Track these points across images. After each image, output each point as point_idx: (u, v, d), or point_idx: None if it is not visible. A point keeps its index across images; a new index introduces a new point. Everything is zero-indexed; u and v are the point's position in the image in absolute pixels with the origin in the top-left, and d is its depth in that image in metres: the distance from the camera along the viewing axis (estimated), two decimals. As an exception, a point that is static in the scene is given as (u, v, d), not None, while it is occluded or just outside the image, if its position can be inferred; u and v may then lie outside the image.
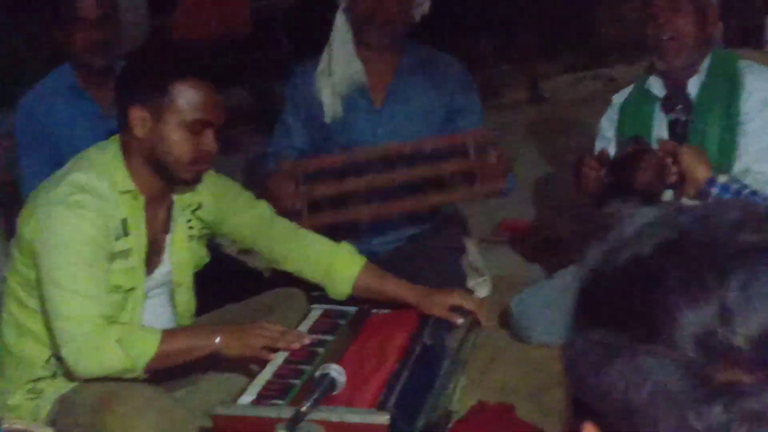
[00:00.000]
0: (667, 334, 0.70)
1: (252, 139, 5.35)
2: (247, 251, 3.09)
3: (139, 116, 2.23)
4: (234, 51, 5.32)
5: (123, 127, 2.28)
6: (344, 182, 2.96)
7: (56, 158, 3.13)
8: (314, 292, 2.67)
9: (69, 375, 2.25)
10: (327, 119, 3.11)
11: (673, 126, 2.87)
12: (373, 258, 2.68)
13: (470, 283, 3.31)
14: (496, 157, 2.84)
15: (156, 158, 2.26)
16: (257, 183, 3.01)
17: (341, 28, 3.12)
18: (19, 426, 1.98)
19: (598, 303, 0.76)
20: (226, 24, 5.12)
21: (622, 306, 0.73)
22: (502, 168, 2.86)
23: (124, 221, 2.26)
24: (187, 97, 2.22)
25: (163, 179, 2.30)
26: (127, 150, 2.28)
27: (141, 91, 2.24)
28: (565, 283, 3.00)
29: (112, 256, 2.24)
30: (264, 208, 2.58)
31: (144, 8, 4.73)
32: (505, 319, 3.16)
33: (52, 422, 2.17)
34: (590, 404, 0.75)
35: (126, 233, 2.27)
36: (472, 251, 3.44)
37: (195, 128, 2.23)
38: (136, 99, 2.23)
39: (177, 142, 2.23)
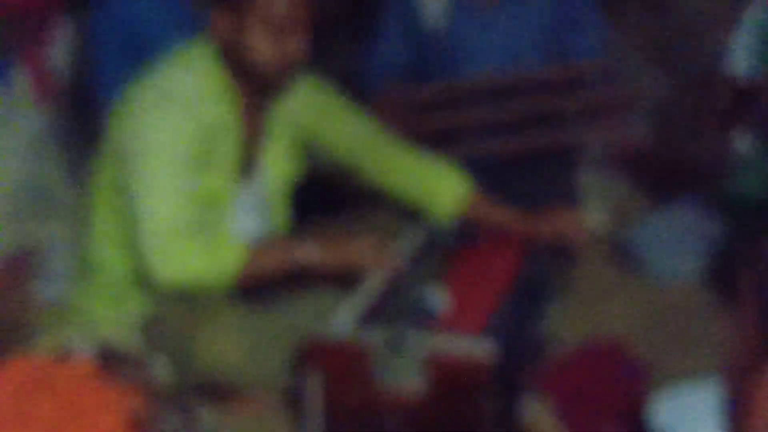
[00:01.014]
0: None
1: (347, 44, 5.31)
2: (342, 167, 3.08)
3: (221, 15, 2.22)
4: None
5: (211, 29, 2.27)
6: (451, 115, 2.90)
7: (141, 59, 3.16)
8: (414, 212, 2.66)
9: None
10: (429, 27, 3.04)
11: None
12: (480, 179, 2.64)
13: (583, 209, 3.25)
14: (620, 90, 2.76)
15: (240, 63, 2.25)
16: (355, 95, 2.98)
17: None
18: (108, 336, 2.01)
19: None
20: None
21: None
22: (626, 103, 2.79)
23: (218, 125, 2.26)
24: None
25: (256, 83, 2.28)
26: (220, 51, 2.27)
27: None
28: (687, 213, 2.93)
29: (206, 162, 2.25)
30: (368, 120, 2.55)
31: None
32: (621, 249, 3.10)
33: (138, 333, 2.21)
34: None
35: (220, 136, 2.27)
36: (586, 176, 3.37)
37: (278, 29, 2.19)
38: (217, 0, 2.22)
39: (260, 45, 2.20)
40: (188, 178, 2.19)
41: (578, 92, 2.83)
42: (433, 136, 2.90)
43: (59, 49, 2.93)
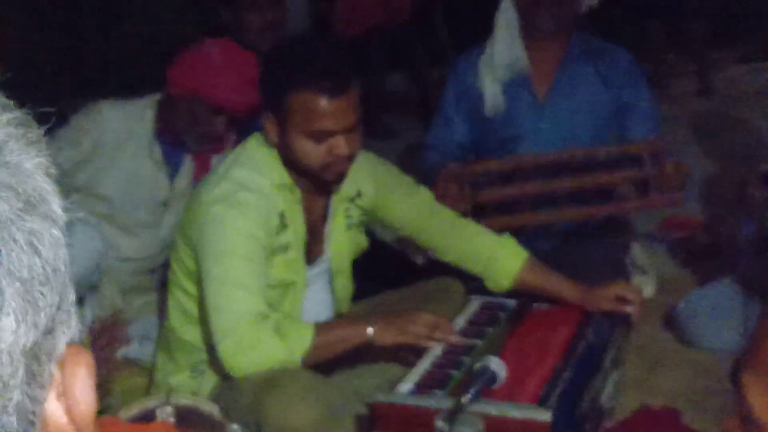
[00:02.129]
0: None
1: (407, 125, 5.40)
2: (402, 239, 3.13)
3: (269, 123, 2.29)
4: (392, 37, 5.37)
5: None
6: (511, 188, 2.95)
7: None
8: (472, 282, 2.69)
9: None
10: (488, 112, 3.09)
11: None
12: (534, 253, 2.67)
13: (634, 281, 3.25)
14: (672, 168, 2.78)
15: (289, 162, 2.31)
16: (415, 172, 3.03)
17: (507, 15, 3.08)
18: (187, 402, 2.07)
19: None
20: (386, 10, 5.18)
21: None
22: (678, 181, 2.81)
23: (282, 215, 2.33)
24: (304, 109, 2.21)
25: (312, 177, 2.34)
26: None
27: (268, 98, 2.29)
28: (735, 288, 2.93)
29: (273, 251, 2.31)
30: (425, 195, 2.61)
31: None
32: (670, 321, 3.09)
33: (213, 401, 2.25)
34: None
35: (285, 227, 2.33)
36: (636, 249, 3.38)
37: (318, 138, 2.24)
38: (266, 105, 2.29)
39: (303, 152, 2.25)
40: (256, 269, 2.24)
41: (632, 168, 2.86)
42: (491, 210, 2.94)
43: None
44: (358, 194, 2.51)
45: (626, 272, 3.22)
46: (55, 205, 0.55)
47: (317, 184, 2.37)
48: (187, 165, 2.96)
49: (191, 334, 2.42)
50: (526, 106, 3.08)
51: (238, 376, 2.22)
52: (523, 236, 2.95)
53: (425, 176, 2.96)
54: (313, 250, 2.45)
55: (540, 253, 2.89)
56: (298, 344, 2.20)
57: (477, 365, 2.07)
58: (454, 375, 2.19)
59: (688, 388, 2.80)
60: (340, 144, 2.23)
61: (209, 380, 2.39)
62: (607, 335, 2.41)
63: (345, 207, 2.49)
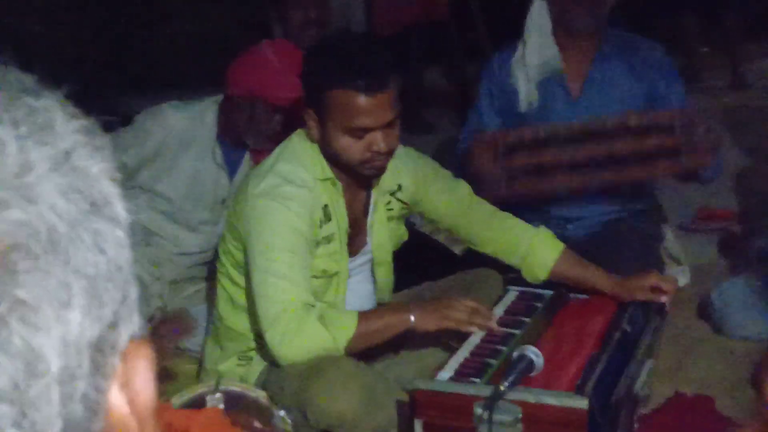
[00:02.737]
0: None
1: (445, 120, 5.40)
2: (441, 231, 3.14)
3: (309, 119, 2.31)
4: (429, 33, 5.38)
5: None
6: (544, 153, 2.93)
7: None
8: (509, 273, 2.70)
9: None
10: (522, 108, 3.08)
11: None
12: (569, 243, 2.68)
13: (668, 271, 3.24)
14: (703, 131, 2.76)
15: (329, 157, 2.33)
16: (451, 165, 3.04)
17: (538, 15, 3.06)
18: (235, 388, 2.11)
19: None
20: (424, 6, 5.18)
21: None
22: (709, 143, 2.78)
23: (325, 207, 2.35)
24: (343, 106, 2.22)
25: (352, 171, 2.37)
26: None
27: (307, 95, 2.31)
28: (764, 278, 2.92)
29: (317, 243, 2.34)
30: (464, 188, 2.62)
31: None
32: (704, 310, 3.09)
33: (260, 387, 2.29)
34: None
35: (328, 219, 2.36)
36: (670, 239, 3.37)
37: (357, 134, 2.25)
38: (307, 102, 2.32)
39: (342, 147, 2.28)
40: (300, 260, 2.27)
41: (665, 133, 2.83)
42: (523, 176, 2.93)
43: None
44: (399, 188, 2.53)
45: (660, 262, 3.22)
46: (119, 207, 0.58)
47: (357, 178, 2.40)
48: (246, 163, 3.00)
49: (238, 322, 2.45)
50: (559, 101, 3.08)
51: (285, 363, 2.25)
52: (558, 226, 2.96)
53: (460, 163, 2.98)
54: (355, 241, 2.47)
55: (575, 243, 2.90)
56: (342, 332, 2.23)
57: (515, 354, 2.09)
58: (493, 363, 2.21)
59: (721, 376, 2.79)
60: (378, 140, 2.25)
61: (256, 367, 2.42)
62: (641, 324, 2.41)
63: (386, 200, 2.51)
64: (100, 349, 0.54)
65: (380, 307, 2.52)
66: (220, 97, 2.96)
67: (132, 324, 0.58)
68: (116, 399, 0.56)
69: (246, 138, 2.90)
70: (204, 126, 2.96)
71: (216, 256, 2.59)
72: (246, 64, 2.85)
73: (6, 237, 0.51)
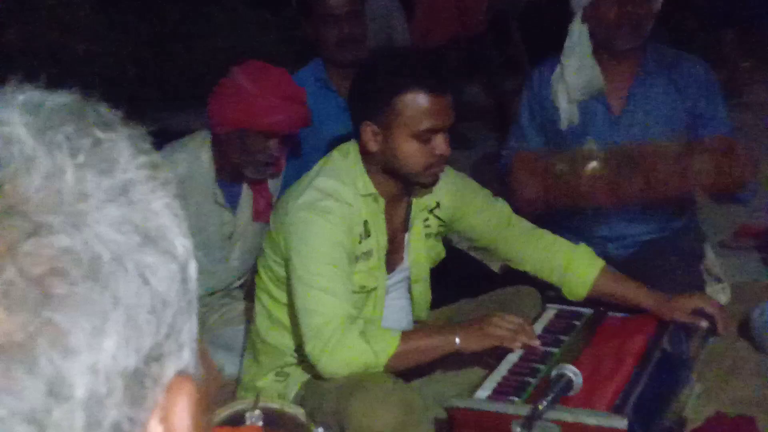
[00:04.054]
0: None
1: (483, 135, 5.41)
2: (478, 248, 3.14)
3: (369, 131, 2.32)
4: (468, 48, 5.39)
5: (358, 140, 2.38)
6: (585, 173, 2.91)
7: (302, 150, 3.29)
8: (548, 290, 2.70)
9: None
10: (562, 126, 3.08)
11: None
12: (609, 262, 2.67)
13: (708, 289, 3.22)
14: (742, 155, 2.74)
15: (391, 168, 2.35)
16: (490, 180, 3.04)
17: (578, 37, 3.03)
18: (273, 405, 2.12)
19: None
20: (462, 21, 5.20)
21: None
22: (747, 167, 2.76)
23: (365, 223, 2.37)
24: (412, 108, 2.26)
25: (401, 183, 2.39)
26: (364, 158, 2.38)
27: (369, 106, 2.32)
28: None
29: (356, 258, 2.35)
30: (502, 206, 2.62)
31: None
32: (745, 329, 3.06)
33: (298, 404, 2.30)
34: None
35: (368, 235, 2.37)
36: (711, 257, 3.34)
37: (424, 137, 2.28)
38: (365, 114, 2.33)
39: (409, 153, 2.30)
40: (342, 274, 2.29)
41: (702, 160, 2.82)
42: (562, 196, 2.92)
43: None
44: (437, 205, 2.54)
45: (701, 280, 3.19)
46: (178, 242, 0.59)
47: (408, 190, 2.41)
48: (245, 196, 2.97)
49: (277, 338, 2.47)
50: (600, 119, 3.05)
51: (326, 375, 2.26)
52: (598, 245, 2.95)
53: (500, 180, 2.97)
54: (393, 258, 2.48)
55: (615, 261, 2.89)
56: (384, 349, 2.23)
57: (553, 373, 2.08)
58: (531, 382, 2.20)
59: (762, 395, 2.76)
60: (441, 143, 2.30)
61: (294, 384, 2.44)
62: (683, 344, 2.39)
63: (424, 217, 2.52)
64: (138, 380, 0.55)
65: (425, 327, 2.52)
66: (208, 133, 2.89)
67: (180, 360, 0.59)
68: (155, 430, 0.57)
69: (245, 171, 2.85)
70: (201, 166, 2.90)
71: (253, 274, 2.61)
72: (224, 97, 2.77)
73: (47, 261, 0.52)
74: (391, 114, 2.28)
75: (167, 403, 0.57)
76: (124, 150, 0.58)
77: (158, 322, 0.56)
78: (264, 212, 2.92)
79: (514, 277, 2.77)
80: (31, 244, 0.52)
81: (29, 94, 0.60)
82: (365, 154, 2.37)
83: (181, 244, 0.60)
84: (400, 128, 2.28)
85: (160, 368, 0.57)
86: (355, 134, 2.40)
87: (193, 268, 0.61)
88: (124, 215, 0.56)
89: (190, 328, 0.60)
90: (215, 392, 0.72)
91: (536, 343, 2.31)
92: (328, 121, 3.26)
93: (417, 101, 2.26)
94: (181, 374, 0.59)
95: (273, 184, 3.05)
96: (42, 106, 0.59)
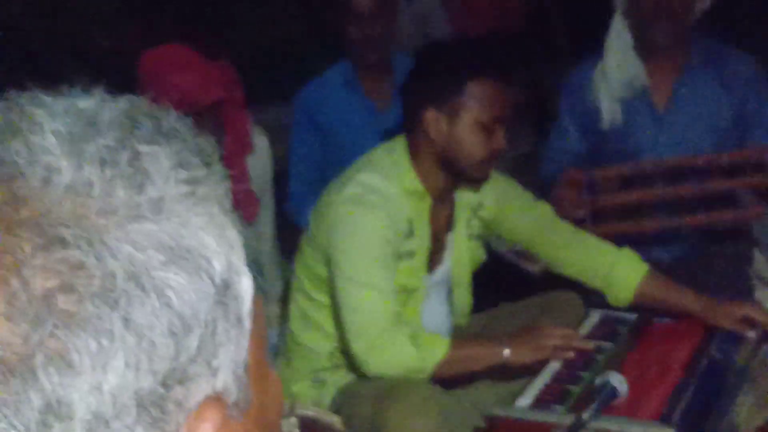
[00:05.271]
0: None
1: (522, 132, 5.38)
2: (517, 251, 3.14)
3: (433, 117, 2.33)
4: (506, 44, 5.38)
5: (412, 129, 2.38)
6: (630, 193, 2.92)
7: (326, 152, 3.29)
8: (591, 295, 2.69)
9: (350, 367, 2.39)
10: (605, 125, 3.06)
11: None
12: (654, 265, 2.66)
13: (757, 294, 3.19)
14: None
15: (447, 158, 2.35)
16: (529, 180, 3.03)
17: (619, 31, 3.03)
18: (309, 412, 2.12)
19: None
20: (499, 15, 5.19)
21: None
22: None
23: (410, 221, 2.37)
24: (483, 95, 2.30)
25: (450, 179, 2.40)
26: (415, 151, 2.39)
27: (435, 91, 2.33)
28: None
29: (399, 256, 2.35)
30: (545, 209, 2.62)
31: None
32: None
33: (334, 411, 2.31)
34: None
35: (411, 233, 2.38)
36: (760, 261, 3.31)
37: (489, 127, 2.31)
38: (430, 100, 2.33)
39: (472, 141, 2.32)
40: (386, 273, 2.30)
41: (756, 171, 2.81)
42: (609, 216, 2.92)
43: (259, 157, 3.04)
44: (480, 206, 2.55)
45: (749, 284, 3.17)
46: (216, 262, 0.58)
47: (457, 183, 2.42)
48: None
49: (311, 339, 2.48)
50: (644, 117, 3.03)
51: (371, 374, 2.27)
52: (643, 248, 2.93)
53: (542, 186, 2.97)
54: (434, 258, 2.49)
55: (660, 264, 2.88)
56: (432, 355, 2.24)
57: (597, 380, 2.08)
58: (573, 390, 2.20)
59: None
60: (501, 137, 2.33)
61: (330, 390, 2.45)
62: (732, 352, 2.38)
63: (467, 217, 2.53)
64: (157, 403, 0.55)
65: (474, 338, 2.52)
66: None
67: (209, 384, 0.58)
68: None
69: None
70: None
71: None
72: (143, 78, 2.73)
73: (56, 275, 0.52)
74: (460, 99, 2.31)
75: (192, 427, 0.57)
76: (164, 164, 0.58)
77: (178, 344, 0.55)
78: (248, 211, 2.89)
79: (553, 281, 2.77)
80: (42, 258, 0.52)
81: (74, 102, 0.60)
82: (417, 147, 2.38)
83: (221, 262, 0.58)
84: (467, 114, 2.31)
85: (186, 392, 0.56)
86: (408, 123, 2.39)
87: (243, 287, 0.60)
88: (150, 233, 0.55)
89: (232, 351, 0.59)
90: (278, 415, 0.71)
91: (590, 346, 2.31)
92: (354, 124, 3.26)
93: (489, 89, 2.30)
94: (214, 398, 0.58)
95: (258, 185, 2.99)
96: (86, 115, 0.58)
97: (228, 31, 6.51)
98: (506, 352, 2.26)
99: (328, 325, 2.43)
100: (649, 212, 2.96)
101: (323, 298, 2.42)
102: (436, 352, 2.24)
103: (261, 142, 3.04)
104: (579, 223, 2.78)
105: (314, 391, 2.47)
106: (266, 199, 3.07)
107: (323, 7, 3.58)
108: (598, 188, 2.91)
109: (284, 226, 3.25)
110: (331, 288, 2.37)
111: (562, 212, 2.74)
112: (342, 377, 2.43)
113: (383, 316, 2.24)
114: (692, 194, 2.88)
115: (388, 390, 2.22)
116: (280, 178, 3.30)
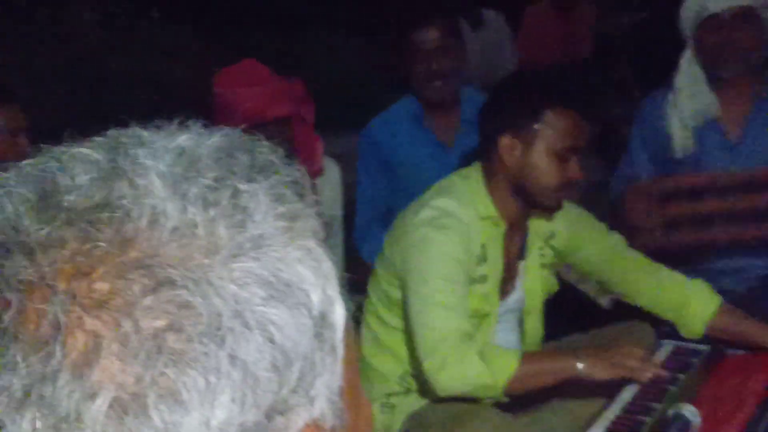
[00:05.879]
0: None
1: (590, 162, 5.37)
2: (589, 282, 3.14)
3: (508, 144, 2.36)
4: (582, 74, 5.39)
5: (488, 155, 2.42)
6: (700, 203, 2.92)
7: (393, 186, 3.32)
8: (662, 326, 2.68)
9: (422, 392, 2.42)
10: (677, 153, 3.07)
11: None
12: (725, 297, 2.65)
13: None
14: None
15: (520, 185, 2.38)
16: (596, 208, 3.04)
17: (690, 63, 3.04)
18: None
19: None
20: (566, 46, 5.21)
21: None
22: None
23: (483, 247, 2.40)
24: (558, 124, 2.32)
25: (525, 206, 2.42)
26: (490, 178, 2.42)
27: (512, 119, 2.36)
28: None
29: (472, 281, 2.38)
30: (617, 239, 2.63)
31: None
32: None
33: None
34: None
35: (485, 259, 2.41)
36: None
37: (564, 155, 2.33)
38: (506, 127, 2.36)
39: (545, 169, 2.34)
40: (460, 291, 2.32)
41: None
42: (679, 226, 2.91)
43: (328, 181, 3.07)
44: (552, 235, 2.56)
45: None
46: (314, 295, 0.60)
47: (529, 214, 2.45)
48: None
49: (383, 363, 2.52)
50: (717, 147, 3.04)
51: (441, 392, 2.28)
52: (716, 280, 2.92)
53: (613, 208, 2.98)
54: (507, 285, 2.51)
55: (734, 296, 2.86)
56: (503, 370, 2.24)
57: (670, 412, 2.08)
58: (645, 422, 2.19)
59: None
60: (576, 167, 2.35)
61: (399, 416, 2.47)
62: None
63: (539, 246, 2.55)
64: None
65: (545, 351, 2.53)
66: None
67: (310, 411, 0.60)
68: None
69: None
70: None
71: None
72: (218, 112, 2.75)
73: (165, 316, 0.55)
74: (536, 127, 2.33)
75: None
76: (262, 201, 0.60)
77: (281, 378, 0.57)
78: None
79: (624, 311, 2.76)
80: (152, 299, 0.54)
81: (172, 138, 0.62)
82: (492, 173, 2.41)
83: (318, 294, 0.60)
84: (542, 142, 2.33)
85: (287, 421, 0.58)
86: (484, 149, 2.43)
87: (337, 316, 0.63)
88: (251, 270, 0.57)
89: (327, 378, 0.61)
90: None
91: (663, 374, 2.30)
92: (421, 159, 3.27)
93: (564, 118, 2.33)
94: (312, 426, 0.60)
95: (326, 210, 3.01)
96: (185, 153, 0.61)
97: (295, 62, 6.63)
98: (580, 365, 2.24)
99: (400, 349, 2.46)
100: (719, 223, 2.95)
101: (397, 322, 2.46)
102: (506, 366, 2.24)
103: (332, 167, 3.08)
104: (649, 234, 2.78)
105: (384, 416, 2.50)
106: (335, 226, 3.10)
107: (388, 48, 3.60)
108: (667, 200, 2.91)
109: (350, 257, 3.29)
110: (404, 309, 2.40)
111: (634, 222, 2.74)
112: (412, 403, 2.45)
113: (454, 334, 2.25)
114: (764, 206, 2.86)
115: (457, 415, 2.23)
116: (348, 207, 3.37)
